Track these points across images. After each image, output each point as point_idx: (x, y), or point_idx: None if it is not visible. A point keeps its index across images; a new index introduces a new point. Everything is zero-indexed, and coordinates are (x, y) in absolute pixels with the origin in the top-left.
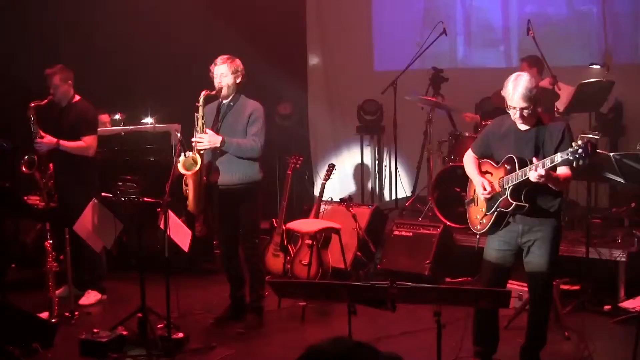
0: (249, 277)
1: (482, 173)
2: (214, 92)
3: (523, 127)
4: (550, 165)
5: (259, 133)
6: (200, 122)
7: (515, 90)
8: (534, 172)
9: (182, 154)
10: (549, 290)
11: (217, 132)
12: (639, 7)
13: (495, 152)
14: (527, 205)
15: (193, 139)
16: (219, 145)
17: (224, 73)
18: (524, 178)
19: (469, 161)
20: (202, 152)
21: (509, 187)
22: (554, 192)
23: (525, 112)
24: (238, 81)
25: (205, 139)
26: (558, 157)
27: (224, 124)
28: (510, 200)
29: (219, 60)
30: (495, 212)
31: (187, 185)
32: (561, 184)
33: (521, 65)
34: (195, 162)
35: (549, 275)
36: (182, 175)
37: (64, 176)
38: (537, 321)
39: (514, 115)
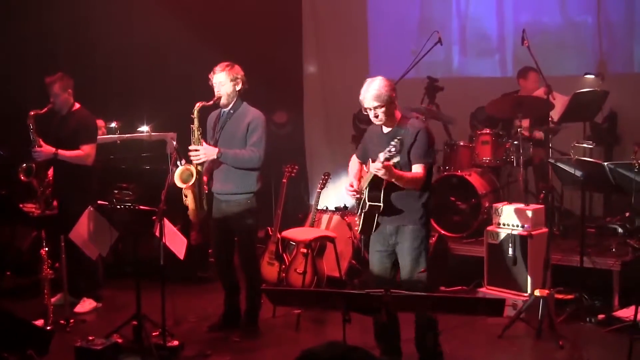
0: (245, 285)
1: (360, 178)
2: (210, 103)
3: (386, 129)
4: (384, 159)
5: (257, 143)
6: (196, 133)
7: (367, 91)
8: (373, 165)
9: (178, 162)
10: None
11: (216, 141)
12: (633, 17)
13: (370, 156)
14: (381, 205)
15: (190, 151)
16: (215, 157)
17: (222, 81)
18: (371, 176)
19: (352, 164)
20: (198, 164)
21: (366, 188)
22: (413, 194)
23: (379, 112)
24: (238, 88)
25: (201, 151)
26: (381, 156)
27: (224, 133)
28: (367, 201)
29: (217, 68)
30: (362, 214)
31: (186, 196)
32: (408, 183)
33: (529, 75)
34: (192, 175)
35: (415, 280)
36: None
37: (62, 184)
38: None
39: (371, 116)
